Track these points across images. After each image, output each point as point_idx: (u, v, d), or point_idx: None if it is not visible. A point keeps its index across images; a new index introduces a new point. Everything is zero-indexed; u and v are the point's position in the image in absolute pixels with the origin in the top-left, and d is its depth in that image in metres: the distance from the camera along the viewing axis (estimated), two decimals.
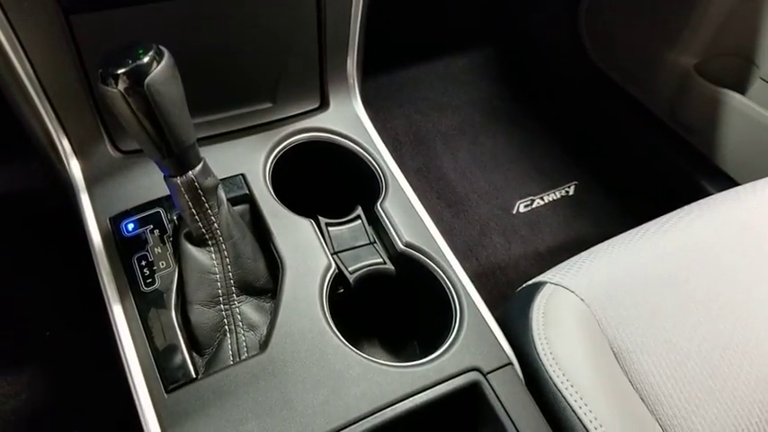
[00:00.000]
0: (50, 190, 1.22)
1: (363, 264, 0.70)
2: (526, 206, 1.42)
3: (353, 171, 0.83)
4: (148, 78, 0.48)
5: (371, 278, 0.70)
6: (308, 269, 0.67)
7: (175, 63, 0.51)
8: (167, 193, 0.64)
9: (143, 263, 0.64)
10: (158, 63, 0.48)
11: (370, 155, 0.81)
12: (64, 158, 0.72)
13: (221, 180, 0.62)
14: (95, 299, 0.65)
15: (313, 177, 0.85)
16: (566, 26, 1.55)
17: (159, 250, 0.65)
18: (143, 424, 0.56)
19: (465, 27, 1.75)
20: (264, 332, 0.63)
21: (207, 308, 0.63)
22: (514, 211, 1.40)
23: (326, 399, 0.57)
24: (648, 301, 0.66)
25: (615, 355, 0.63)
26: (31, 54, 0.62)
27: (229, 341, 0.63)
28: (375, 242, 0.74)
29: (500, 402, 0.60)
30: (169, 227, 0.67)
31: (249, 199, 0.73)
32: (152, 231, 0.67)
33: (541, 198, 1.43)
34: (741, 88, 1.18)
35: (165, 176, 0.58)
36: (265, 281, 0.67)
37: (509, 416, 0.59)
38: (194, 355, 0.61)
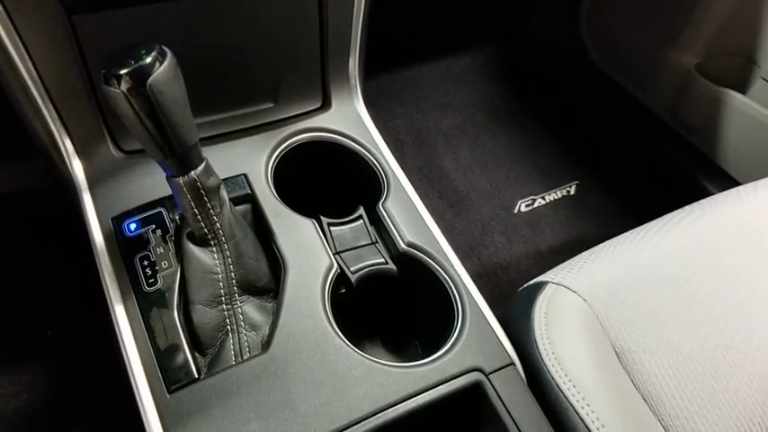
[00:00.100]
0: (51, 189, 1.22)
1: (365, 264, 0.70)
2: (527, 206, 1.42)
3: (355, 171, 0.83)
4: (151, 79, 0.48)
5: (373, 278, 0.70)
6: (310, 269, 0.67)
7: (178, 63, 0.51)
8: (169, 192, 0.64)
9: (145, 263, 0.64)
10: (161, 63, 0.49)
11: (371, 155, 0.81)
12: (66, 158, 0.72)
13: (223, 180, 0.63)
14: (96, 299, 0.65)
15: (315, 177, 0.85)
16: (567, 26, 1.54)
17: (161, 250, 0.65)
18: (145, 424, 0.56)
19: (467, 27, 1.75)
20: (266, 332, 0.63)
21: (209, 308, 0.63)
22: (516, 211, 1.40)
23: (329, 399, 0.57)
24: (650, 301, 0.66)
25: (617, 355, 0.63)
26: (33, 54, 0.63)
27: (231, 341, 0.62)
28: (377, 242, 0.74)
29: (502, 403, 0.60)
30: (171, 227, 0.67)
31: (251, 199, 0.73)
32: (154, 231, 0.67)
33: (543, 198, 1.43)
34: (742, 88, 1.18)
35: (167, 176, 0.58)
36: (267, 281, 0.67)
37: (511, 416, 0.59)
38: (196, 355, 0.61)
